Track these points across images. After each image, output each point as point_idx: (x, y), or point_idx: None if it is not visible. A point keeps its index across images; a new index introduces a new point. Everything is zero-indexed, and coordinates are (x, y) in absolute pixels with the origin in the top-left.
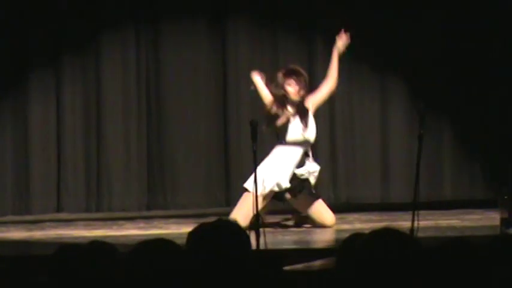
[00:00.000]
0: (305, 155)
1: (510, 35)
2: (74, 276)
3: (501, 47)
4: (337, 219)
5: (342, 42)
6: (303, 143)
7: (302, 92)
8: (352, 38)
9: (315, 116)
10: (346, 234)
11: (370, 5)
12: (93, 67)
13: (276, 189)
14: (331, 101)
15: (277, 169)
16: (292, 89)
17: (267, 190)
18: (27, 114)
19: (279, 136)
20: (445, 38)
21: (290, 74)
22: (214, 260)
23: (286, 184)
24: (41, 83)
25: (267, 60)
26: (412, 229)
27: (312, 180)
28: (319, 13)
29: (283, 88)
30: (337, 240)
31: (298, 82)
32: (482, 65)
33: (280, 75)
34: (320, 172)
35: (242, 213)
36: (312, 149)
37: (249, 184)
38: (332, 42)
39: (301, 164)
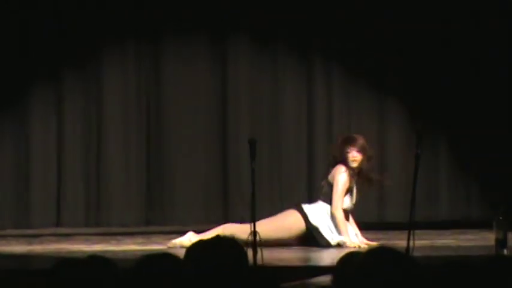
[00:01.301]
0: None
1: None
2: None
3: (497, 73)
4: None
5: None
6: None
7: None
8: (351, 58)
9: None
10: (343, 253)
11: (368, 25)
12: (94, 82)
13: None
14: (329, 120)
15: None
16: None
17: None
18: (27, 128)
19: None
20: (444, 61)
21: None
22: (212, 276)
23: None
24: (42, 97)
25: (267, 79)
26: (407, 248)
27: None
28: (317, 33)
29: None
30: (334, 259)
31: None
32: (479, 88)
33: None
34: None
35: (273, 225)
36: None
37: (307, 209)
38: (329, 62)
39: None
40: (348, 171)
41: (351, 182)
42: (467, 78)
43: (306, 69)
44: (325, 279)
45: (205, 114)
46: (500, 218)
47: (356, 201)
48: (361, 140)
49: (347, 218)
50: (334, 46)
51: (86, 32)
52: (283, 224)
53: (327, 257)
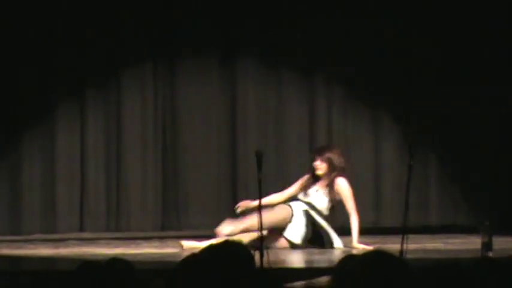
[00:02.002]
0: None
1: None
2: None
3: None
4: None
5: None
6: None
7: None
8: (349, 79)
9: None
10: (340, 256)
11: (366, 52)
12: (114, 100)
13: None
14: (329, 134)
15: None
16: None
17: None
18: (53, 142)
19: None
20: (434, 81)
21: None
22: (222, 278)
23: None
24: (67, 114)
25: (273, 96)
26: (401, 251)
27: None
28: (319, 54)
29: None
30: (333, 261)
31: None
32: (465, 106)
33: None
34: None
35: (267, 216)
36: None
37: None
38: (330, 82)
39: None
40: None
41: (307, 183)
42: (453, 97)
43: (308, 88)
44: (325, 279)
45: (216, 129)
46: (486, 223)
47: (324, 202)
48: (328, 153)
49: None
50: (334, 68)
51: (107, 54)
52: (276, 217)
53: (327, 259)
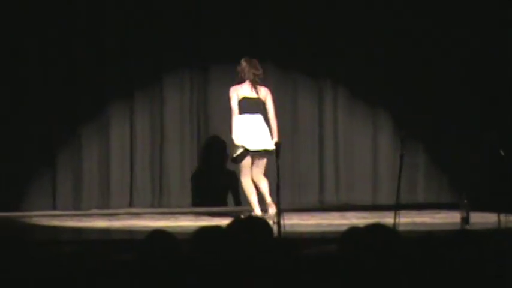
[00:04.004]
0: None
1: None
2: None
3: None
4: (338, 216)
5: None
6: None
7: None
8: (352, 81)
9: None
10: (345, 227)
11: (366, 57)
12: (158, 100)
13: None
14: (335, 128)
15: None
16: None
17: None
18: (108, 134)
19: None
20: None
21: None
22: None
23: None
24: (119, 111)
25: (288, 99)
26: (394, 224)
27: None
28: (327, 64)
29: None
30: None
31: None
32: (451, 100)
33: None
34: (327, 181)
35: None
36: None
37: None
38: (336, 85)
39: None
40: None
41: None
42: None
43: (317, 91)
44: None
45: None
46: (465, 201)
47: None
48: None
49: None
50: (339, 73)
51: (152, 63)
52: None
53: (333, 230)
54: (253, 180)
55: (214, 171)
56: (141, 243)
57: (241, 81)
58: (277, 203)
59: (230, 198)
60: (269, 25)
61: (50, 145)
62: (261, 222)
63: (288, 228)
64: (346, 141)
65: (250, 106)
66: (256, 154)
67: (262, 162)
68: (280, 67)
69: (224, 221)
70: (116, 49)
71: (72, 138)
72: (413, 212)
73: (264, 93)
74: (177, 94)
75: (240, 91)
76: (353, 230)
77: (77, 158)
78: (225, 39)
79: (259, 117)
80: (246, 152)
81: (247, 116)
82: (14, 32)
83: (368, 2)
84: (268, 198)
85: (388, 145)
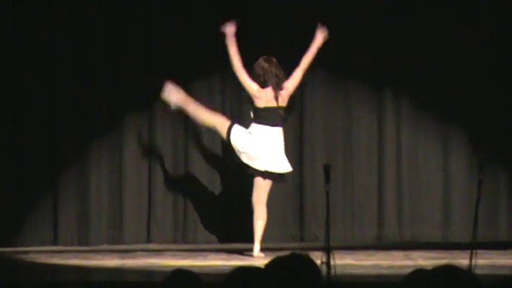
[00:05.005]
0: None
1: None
2: None
3: None
4: (401, 255)
5: (322, 35)
6: None
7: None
8: (418, 90)
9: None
10: (410, 270)
11: (435, 62)
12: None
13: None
14: (398, 148)
15: None
16: None
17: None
18: (121, 153)
19: None
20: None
21: None
22: None
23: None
24: (134, 125)
25: (340, 109)
26: (470, 266)
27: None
28: (387, 68)
29: None
30: (400, 275)
31: None
32: None
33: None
34: (387, 212)
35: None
36: None
37: None
38: (398, 94)
39: None
40: None
41: None
42: None
43: (376, 100)
44: None
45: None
46: None
47: None
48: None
49: None
50: (403, 80)
51: (176, 67)
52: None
53: (395, 273)
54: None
55: (249, 199)
56: (161, 286)
57: (261, 86)
58: (327, 239)
59: (269, 231)
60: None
61: (51, 165)
62: (307, 261)
63: (339, 270)
64: (410, 163)
65: (271, 116)
66: (267, 176)
67: (268, 189)
68: (330, 70)
69: (261, 261)
70: (134, 53)
71: (78, 156)
72: (493, 252)
73: (286, 98)
74: (205, 102)
75: (264, 97)
76: (419, 273)
77: (83, 181)
78: (265, 38)
79: (279, 132)
80: (255, 171)
81: (266, 129)
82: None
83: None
84: (258, 242)
85: (463, 169)
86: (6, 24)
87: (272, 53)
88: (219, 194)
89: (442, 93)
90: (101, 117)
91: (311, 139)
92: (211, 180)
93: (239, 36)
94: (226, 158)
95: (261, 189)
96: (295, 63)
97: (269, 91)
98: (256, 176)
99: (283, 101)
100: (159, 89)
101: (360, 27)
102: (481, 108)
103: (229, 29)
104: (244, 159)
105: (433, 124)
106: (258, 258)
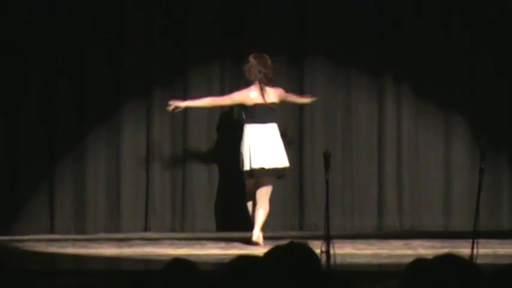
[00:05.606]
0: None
1: None
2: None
3: None
4: (401, 245)
5: (308, 100)
6: None
7: None
8: (419, 77)
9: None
10: (410, 259)
11: (435, 51)
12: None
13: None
14: (398, 136)
15: None
16: None
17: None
18: (119, 142)
19: None
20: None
21: None
22: (287, 281)
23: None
24: (133, 114)
25: (341, 98)
26: (471, 256)
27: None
28: (387, 56)
29: None
30: (401, 265)
31: None
32: None
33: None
34: (387, 201)
35: None
36: None
37: None
38: (399, 81)
39: None
40: None
41: None
42: None
43: (377, 88)
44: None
45: (282, 128)
46: None
47: None
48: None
49: None
50: (403, 67)
51: (174, 54)
52: None
53: (395, 262)
54: (253, 202)
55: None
56: (158, 275)
57: (248, 84)
58: (326, 228)
59: (269, 221)
60: (314, 10)
61: (48, 154)
62: (306, 250)
63: (339, 260)
64: (411, 151)
65: (261, 113)
66: (265, 173)
67: (270, 184)
68: (331, 60)
69: (260, 249)
70: (133, 41)
71: (75, 144)
72: (495, 241)
73: (275, 95)
74: (204, 91)
75: (250, 95)
76: (419, 263)
77: (80, 170)
78: (262, 26)
79: (272, 127)
80: (251, 171)
81: (257, 127)
82: (16, 37)
83: None
84: (258, 231)
85: (464, 156)
86: (1, 14)
87: (272, 53)
88: (217, 182)
89: (443, 81)
90: (99, 107)
91: (311, 127)
92: (209, 168)
93: (239, 36)
94: (224, 148)
95: (264, 186)
96: (295, 63)
97: (254, 88)
98: (259, 177)
99: (270, 99)
100: (157, 78)
101: (359, 15)
102: (482, 96)
103: (179, 104)
104: (247, 167)
105: (433, 112)
106: (257, 245)
